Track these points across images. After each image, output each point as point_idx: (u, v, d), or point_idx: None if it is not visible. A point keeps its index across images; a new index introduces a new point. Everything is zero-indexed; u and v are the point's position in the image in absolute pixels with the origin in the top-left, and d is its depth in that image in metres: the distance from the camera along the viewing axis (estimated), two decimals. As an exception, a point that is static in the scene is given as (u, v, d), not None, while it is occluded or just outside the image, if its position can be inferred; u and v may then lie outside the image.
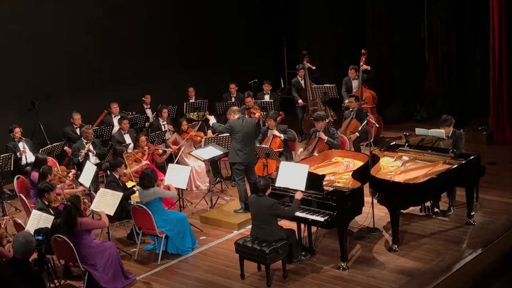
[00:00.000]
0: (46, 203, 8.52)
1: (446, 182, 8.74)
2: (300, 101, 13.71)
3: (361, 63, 12.94)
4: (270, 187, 8.04)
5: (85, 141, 11.34)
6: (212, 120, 10.87)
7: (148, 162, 10.78)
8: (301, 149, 10.71)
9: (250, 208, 8.10)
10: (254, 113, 12.39)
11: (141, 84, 13.90)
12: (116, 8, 13.89)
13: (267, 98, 13.50)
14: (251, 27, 16.41)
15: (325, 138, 10.33)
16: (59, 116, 12.77)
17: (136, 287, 8.20)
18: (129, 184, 9.63)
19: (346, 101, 13.06)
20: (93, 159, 11.23)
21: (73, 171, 10.41)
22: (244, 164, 9.86)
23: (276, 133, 10.93)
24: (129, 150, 11.22)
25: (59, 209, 8.74)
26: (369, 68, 12.99)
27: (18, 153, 11.38)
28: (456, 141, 9.34)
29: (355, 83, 13.17)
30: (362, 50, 12.98)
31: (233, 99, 13.74)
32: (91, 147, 11.29)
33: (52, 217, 8.09)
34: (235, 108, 10.13)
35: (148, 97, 13.49)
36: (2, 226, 7.85)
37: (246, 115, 12.40)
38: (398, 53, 14.80)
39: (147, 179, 8.78)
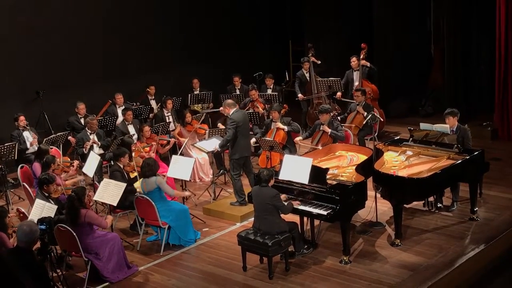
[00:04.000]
0: (46, 194, 8.53)
1: (449, 177, 8.73)
2: (300, 95, 13.68)
3: (361, 57, 12.91)
4: (273, 178, 8.05)
5: (89, 131, 11.34)
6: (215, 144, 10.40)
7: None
8: (300, 138, 10.70)
9: (253, 199, 8.10)
10: (258, 107, 12.40)
11: (146, 75, 13.90)
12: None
13: (269, 92, 13.46)
14: (257, 19, 16.37)
15: (329, 131, 10.33)
16: (63, 106, 12.77)
17: (139, 277, 8.22)
18: (133, 175, 9.63)
19: (339, 93, 13.09)
20: (97, 149, 11.24)
21: (76, 162, 10.41)
22: (244, 157, 9.88)
23: (280, 125, 10.91)
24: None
25: (60, 199, 8.76)
26: (368, 64, 12.96)
27: (28, 144, 11.38)
28: (463, 137, 9.31)
29: (355, 75, 13.13)
30: (362, 45, 12.94)
31: (237, 91, 13.73)
32: (95, 139, 11.29)
33: (56, 207, 8.10)
34: (229, 101, 10.05)
35: (152, 88, 13.47)
36: (9, 217, 7.86)
37: (250, 108, 12.45)
38: (404, 47, 14.75)
39: (148, 168, 8.80)
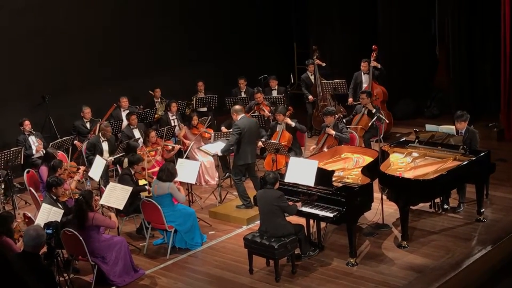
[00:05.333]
0: (54, 197, 8.55)
1: (456, 179, 8.71)
2: (310, 97, 13.69)
3: (372, 59, 12.89)
4: (279, 181, 8.04)
5: (103, 138, 11.34)
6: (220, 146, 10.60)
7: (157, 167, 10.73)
8: (314, 146, 10.72)
9: (259, 202, 8.10)
10: (264, 110, 12.40)
11: (151, 78, 13.91)
12: (126, 2, 13.91)
13: (274, 94, 13.47)
14: (262, 22, 16.37)
15: (333, 133, 10.32)
16: (69, 110, 12.80)
17: (145, 281, 8.23)
18: (141, 182, 9.63)
19: (350, 99, 13.06)
20: (107, 156, 11.19)
21: (82, 167, 10.42)
22: (247, 164, 9.89)
23: (288, 120, 10.91)
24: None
25: (67, 203, 8.78)
26: (379, 66, 12.93)
27: (34, 150, 11.39)
28: (471, 139, 9.27)
29: (365, 78, 13.10)
30: (373, 46, 12.92)
31: (242, 94, 13.73)
32: (107, 147, 11.25)
33: (62, 211, 8.12)
34: (237, 107, 10.08)
35: (158, 90, 13.49)
36: (16, 222, 7.89)
37: (256, 111, 12.44)
38: (408, 49, 14.72)
39: (167, 173, 8.82)
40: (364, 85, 13.01)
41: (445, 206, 9.49)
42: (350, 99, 13.11)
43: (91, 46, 13.33)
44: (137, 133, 11.89)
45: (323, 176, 8.18)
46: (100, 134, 11.41)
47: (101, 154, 11.06)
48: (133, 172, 9.50)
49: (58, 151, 10.86)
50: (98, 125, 12.01)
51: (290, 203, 8.12)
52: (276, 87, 13.60)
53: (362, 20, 15.66)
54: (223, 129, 12.09)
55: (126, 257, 8.17)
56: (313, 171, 8.18)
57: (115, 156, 11.03)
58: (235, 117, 9.91)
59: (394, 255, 8.30)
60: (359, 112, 12.00)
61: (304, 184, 8.25)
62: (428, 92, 14.82)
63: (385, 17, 14.81)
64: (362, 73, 13.11)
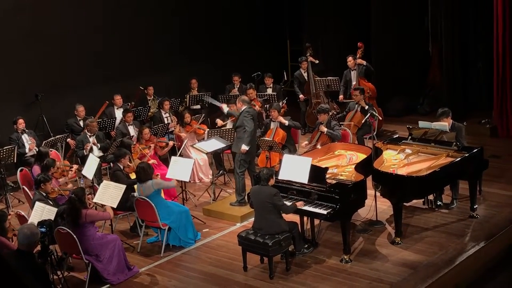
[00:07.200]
0: (44, 194, 8.54)
1: (449, 175, 8.74)
2: (301, 96, 13.70)
3: (357, 56, 12.91)
4: (274, 177, 8.05)
5: (89, 134, 11.35)
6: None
7: (156, 162, 10.73)
8: (306, 142, 10.73)
9: (252, 198, 8.09)
10: (254, 105, 12.41)
11: (145, 76, 13.88)
12: (119, 1, 13.87)
13: (269, 91, 13.48)
14: (255, 19, 16.36)
15: (325, 130, 10.33)
16: (62, 108, 12.77)
17: (139, 279, 8.22)
18: (133, 176, 9.63)
19: (341, 96, 13.08)
20: (97, 152, 11.23)
21: (75, 166, 10.41)
22: (251, 155, 9.89)
23: (282, 119, 10.94)
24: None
25: (58, 200, 8.77)
26: (364, 63, 12.95)
27: (27, 149, 11.36)
28: (456, 135, 9.31)
29: (353, 74, 13.12)
30: (358, 44, 12.93)
31: (236, 91, 13.72)
32: (95, 141, 11.29)
33: (55, 209, 8.10)
34: (246, 98, 10.13)
35: (150, 88, 13.47)
36: (9, 218, 7.88)
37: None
38: (401, 46, 14.74)
39: (143, 173, 8.79)
40: (353, 83, 13.04)
41: (438, 203, 9.52)
42: (341, 96, 13.13)
43: (84, 44, 13.28)
44: (132, 130, 11.88)
45: (317, 173, 8.19)
46: (86, 130, 11.41)
47: (91, 150, 11.08)
48: (122, 167, 9.49)
49: (51, 149, 10.84)
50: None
51: (300, 203, 8.11)
52: (271, 85, 13.60)
53: (355, 17, 15.67)
54: (218, 121, 11.97)
55: (120, 255, 8.16)
56: (306, 168, 8.18)
57: (102, 145, 11.23)
58: (240, 105, 9.87)
59: (388, 252, 8.32)
60: (352, 109, 12.02)
61: (298, 181, 8.25)
62: (421, 89, 14.85)
63: (378, 14, 14.82)
64: (350, 70, 13.14)
